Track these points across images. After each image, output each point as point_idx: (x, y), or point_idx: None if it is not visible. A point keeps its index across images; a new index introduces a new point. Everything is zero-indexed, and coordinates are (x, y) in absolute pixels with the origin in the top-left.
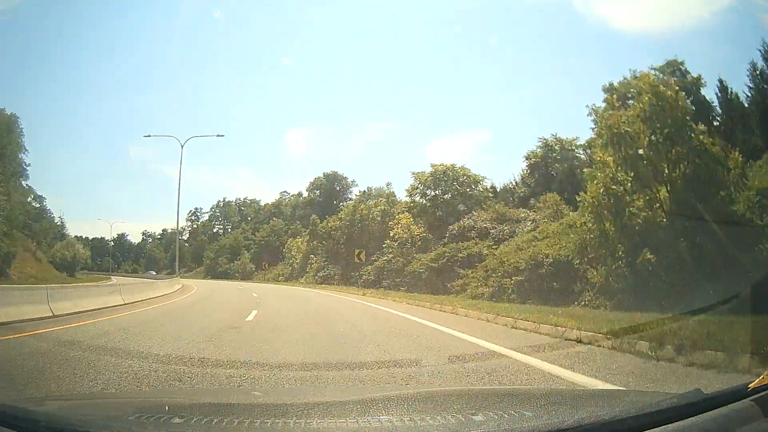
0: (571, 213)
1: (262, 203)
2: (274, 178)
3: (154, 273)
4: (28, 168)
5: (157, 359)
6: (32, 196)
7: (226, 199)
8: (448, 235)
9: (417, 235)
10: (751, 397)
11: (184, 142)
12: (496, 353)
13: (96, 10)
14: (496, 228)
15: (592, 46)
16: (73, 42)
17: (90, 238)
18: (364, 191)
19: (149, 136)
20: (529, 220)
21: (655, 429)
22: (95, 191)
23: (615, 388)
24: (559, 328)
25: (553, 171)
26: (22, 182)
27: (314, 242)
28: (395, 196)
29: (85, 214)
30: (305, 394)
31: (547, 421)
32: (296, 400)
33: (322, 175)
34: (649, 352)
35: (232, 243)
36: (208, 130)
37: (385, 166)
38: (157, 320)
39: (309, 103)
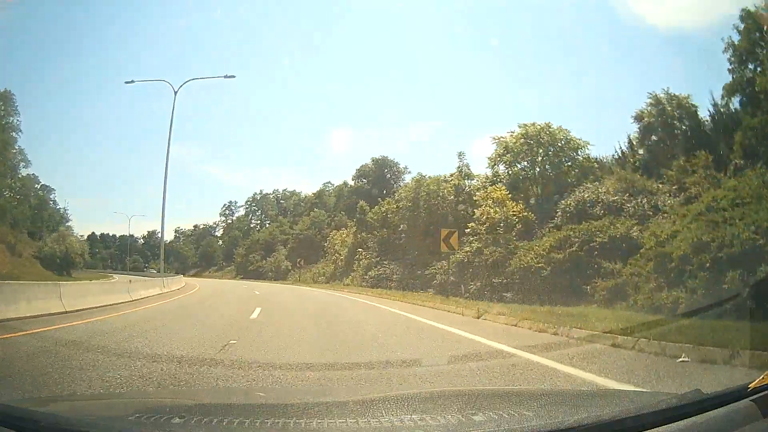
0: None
1: (303, 194)
2: (316, 175)
3: (155, 272)
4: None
5: None
6: (38, 186)
7: (263, 191)
8: (560, 213)
9: (515, 214)
10: (751, 397)
11: (179, 87)
12: None
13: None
14: (630, 202)
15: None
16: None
17: (109, 234)
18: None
19: (132, 81)
20: (671, 192)
21: (655, 429)
22: (134, 188)
23: (615, 388)
24: None
25: (676, 130)
26: (25, 169)
27: (363, 233)
28: (469, 169)
29: (123, 211)
30: (305, 395)
31: (547, 421)
32: (296, 400)
33: (370, 161)
34: None
35: (266, 238)
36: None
37: (430, 165)
38: None
39: (351, 103)
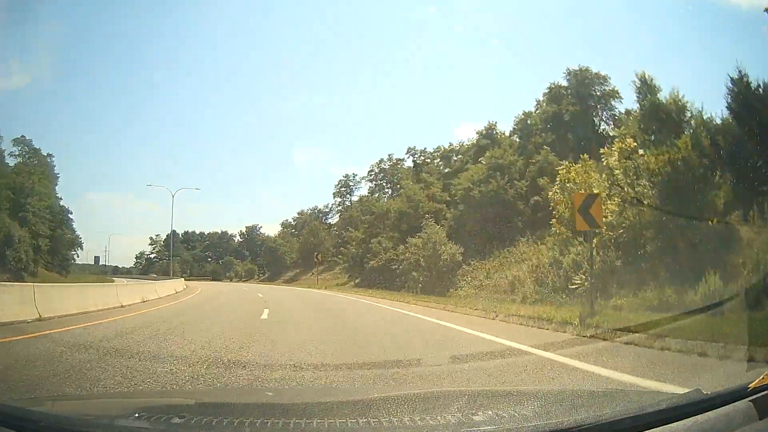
0: None
1: (460, 142)
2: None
3: (155, 276)
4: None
5: None
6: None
7: (393, 156)
8: None
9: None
10: (751, 397)
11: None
12: None
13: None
14: None
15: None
16: None
17: (194, 231)
18: None
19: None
20: None
21: (655, 429)
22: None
23: (615, 388)
24: None
25: None
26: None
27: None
28: None
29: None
30: (306, 394)
31: (547, 421)
32: (297, 400)
33: (566, 71)
34: None
35: (403, 208)
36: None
37: None
38: None
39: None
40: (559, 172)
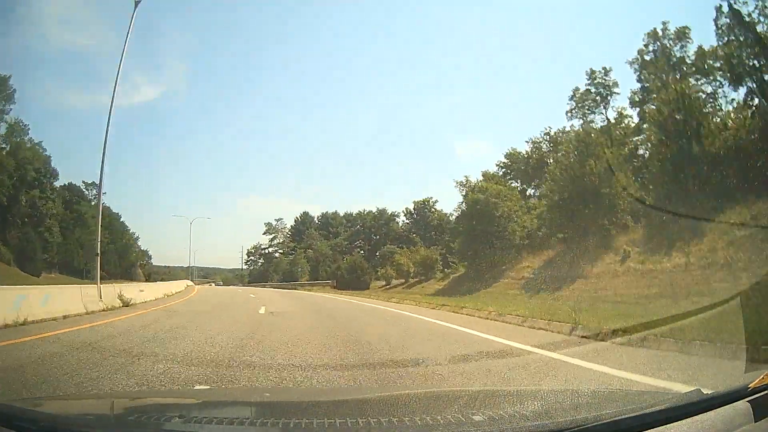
0: None
1: None
2: None
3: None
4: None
5: None
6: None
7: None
8: None
9: None
10: (751, 397)
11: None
12: None
13: None
14: None
15: None
16: None
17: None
18: None
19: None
20: None
21: (655, 429)
22: None
23: (615, 388)
24: None
25: None
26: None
27: None
28: None
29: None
30: (305, 394)
31: (547, 421)
32: (296, 400)
33: None
34: None
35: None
36: None
37: None
38: None
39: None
40: None
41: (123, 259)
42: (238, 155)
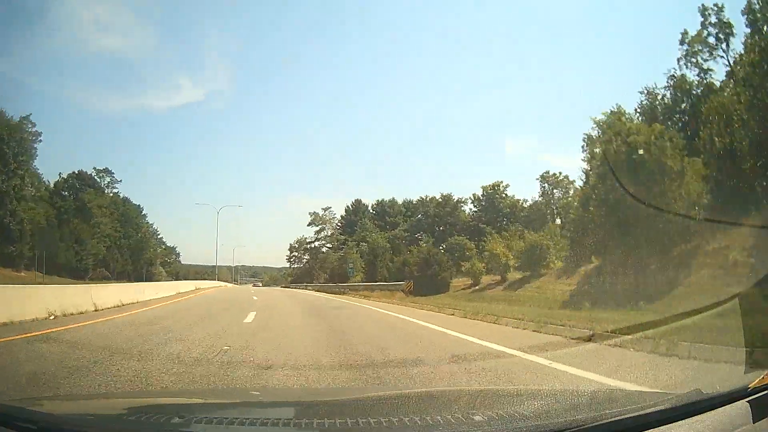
0: None
1: None
2: None
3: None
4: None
5: None
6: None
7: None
8: None
9: None
10: (751, 397)
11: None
12: None
13: None
14: None
15: None
16: None
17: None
18: None
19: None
20: None
21: (655, 429)
22: None
23: (615, 388)
24: None
25: None
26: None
27: None
28: None
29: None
30: (305, 394)
31: (547, 421)
32: (296, 400)
33: None
34: None
35: None
36: None
37: None
38: None
39: None
40: None
41: (137, 256)
42: (284, 151)
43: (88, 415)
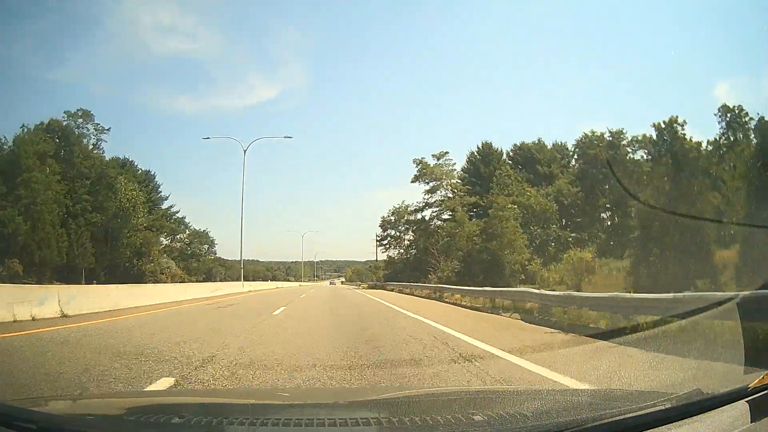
0: None
1: None
2: None
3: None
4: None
5: None
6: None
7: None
8: None
9: None
10: (750, 397)
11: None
12: None
13: None
14: None
15: None
16: None
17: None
18: None
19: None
20: None
21: (655, 429)
22: None
23: (615, 388)
24: None
25: None
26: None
27: None
28: None
29: None
30: (305, 394)
31: (547, 421)
32: (296, 401)
33: None
34: None
35: None
36: None
37: None
38: None
39: None
40: None
41: (115, 241)
42: (367, 146)
43: (88, 415)
